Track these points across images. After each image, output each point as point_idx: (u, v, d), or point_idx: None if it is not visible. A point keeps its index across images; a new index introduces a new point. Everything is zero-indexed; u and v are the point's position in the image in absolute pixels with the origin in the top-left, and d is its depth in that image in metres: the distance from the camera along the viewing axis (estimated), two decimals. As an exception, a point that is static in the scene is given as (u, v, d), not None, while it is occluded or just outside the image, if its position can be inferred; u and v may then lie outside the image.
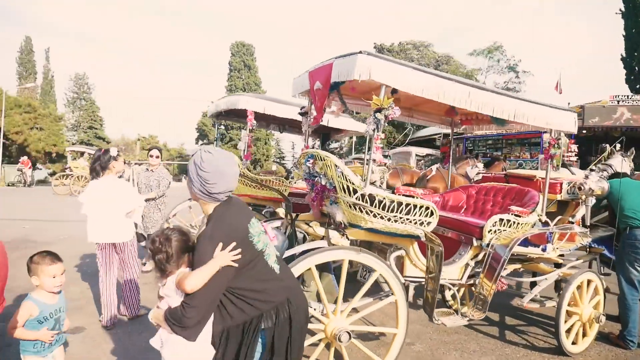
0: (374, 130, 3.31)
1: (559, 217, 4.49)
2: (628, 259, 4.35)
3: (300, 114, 4.66)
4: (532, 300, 4.27)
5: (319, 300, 3.37)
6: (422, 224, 3.57)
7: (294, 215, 4.06)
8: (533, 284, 4.74)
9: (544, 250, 4.28)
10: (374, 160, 3.34)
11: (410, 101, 4.88)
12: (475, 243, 3.93)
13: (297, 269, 3.10)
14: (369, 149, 3.42)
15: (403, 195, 3.46)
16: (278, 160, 54.88)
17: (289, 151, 58.42)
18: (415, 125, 44.85)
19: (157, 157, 6.06)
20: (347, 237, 3.51)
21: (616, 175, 4.88)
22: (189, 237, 2.14)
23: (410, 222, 3.52)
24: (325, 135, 7.72)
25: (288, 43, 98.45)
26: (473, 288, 4.09)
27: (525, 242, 4.30)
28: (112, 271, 4.42)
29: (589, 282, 4.34)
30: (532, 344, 4.51)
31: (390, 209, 3.39)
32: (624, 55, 27.11)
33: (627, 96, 26.15)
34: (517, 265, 4.61)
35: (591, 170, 4.85)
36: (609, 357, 4.29)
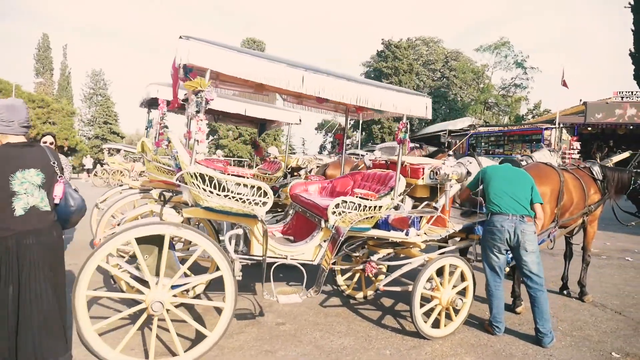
0: (196, 112, 3.43)
1: (426, 202, 4.52)
2: (487, 245, 4.36)
3: (183, 101, 4.80)
4: (390, 283, 4.33)
5: (157, 274, 3.53)
6: (257, 204, 3.68)
7: (166, 197, 4.23)
8: None
9: (407, 234, 4.33)
10: (197, 141, 3.46)
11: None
12: (323, 225, 4.02)
13: (116, 240, 3.26)
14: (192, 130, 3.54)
15: (233, 175, 3.59)
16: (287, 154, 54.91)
17: (299, 147, 58.70)
18: (424, 122, 44.53)
19: (52, 143, 6.23)
20: (182, 215, 3.65)
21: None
22: None
23: (244, 201, 3.64)
24: (262, 125, 7.86)
25: (298, 38, 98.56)
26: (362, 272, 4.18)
27: (387, 226, 4.37)
28: None
29: (453, 267, 4.38)
30: (403, 327, 4.57)
31: (222, 187, 3.52)
32: (633, 50, 26.33)
33: (632, 92, 25.43)
34: (389, 250, 4.67)
35: (449, 155, 4.85)
36: (471, 341, 4.32)
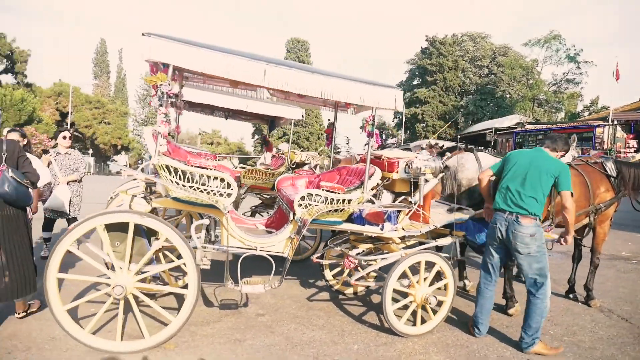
0: (159, 105, 3.57)
1: (403, 197, 4.43)
2: (487, 241, 4.23)
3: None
4: (362, 278, 4.29)
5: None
6: (222, 195, 3.78)
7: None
8: None
9: (382, 229, 4.28)
10: (160, 133, 3.60)
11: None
12: (291, 217, 4.05)
13: (83, 226, 3.46)
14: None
15: (197, 167, 3.70)
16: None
17: (343, 146, 58.73)
18: (470, 120, 43.23)
19: (70, 138, 6.56)
20: (150, 205, 3.80)
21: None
22: None
23: (208, 192, 3.75)
24: (272, 122, 7.97)
25: (342, 36, 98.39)
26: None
27: (362, 220, 4.34)
28: None
29: (430, 264, 4.28)
30: (382, 324, 4.51)
31: (186, 178, 3.66)
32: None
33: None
34: (368, 245, 4.62)
35: (422, 148, 4.69)
36: (447, 341, 4.20)
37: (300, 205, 3.94)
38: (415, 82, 46.45)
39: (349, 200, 4.03)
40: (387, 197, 4.43)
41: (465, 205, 5.37)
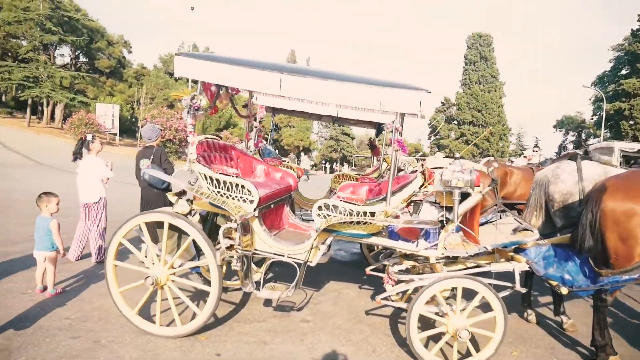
0: (188, 117, 3.93)
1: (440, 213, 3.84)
2: None
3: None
4: (387, 298, 3.93)
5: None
6: (245, 201, 3.97)
7: None
8: None
9: (417, 246, 3.87)
10: (189, 143, 3.96)
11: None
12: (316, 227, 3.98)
13: (129, 224, 4.05)
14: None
15: (221, 174, 3.95)
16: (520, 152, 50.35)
17: (530, 147, 52.86)
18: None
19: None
20: (190, 206, 4.20)
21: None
22: None
23: (234, 198, 3.98)
24: (379, 126, 7.84)
25: (528, 26, 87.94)
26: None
27: (395, 235, 4.00)
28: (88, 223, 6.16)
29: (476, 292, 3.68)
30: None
31: (213, 184, 3.97)
32: None
33: None
34: (412, 262, 4.21)
35: (456, 158, 3.82)
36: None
37: (319, 215, 3.85)
38: (623, 72, 38.94)
39: (372, 213, 3.76)
40: (427, 211, 3.97)
41: (560, 226, 4.47)
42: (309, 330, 4.45)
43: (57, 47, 37.87)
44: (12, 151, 23.04)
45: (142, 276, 4.09)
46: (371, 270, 4.66)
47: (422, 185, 3.90)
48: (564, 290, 3.88)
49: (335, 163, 55.76)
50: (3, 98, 43.45)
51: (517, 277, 3.84)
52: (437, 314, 3.81)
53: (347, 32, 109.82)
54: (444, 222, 3.83)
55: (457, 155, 3.74)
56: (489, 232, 4.25)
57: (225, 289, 5.21)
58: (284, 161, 6.73)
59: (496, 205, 6.27)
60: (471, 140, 48.12)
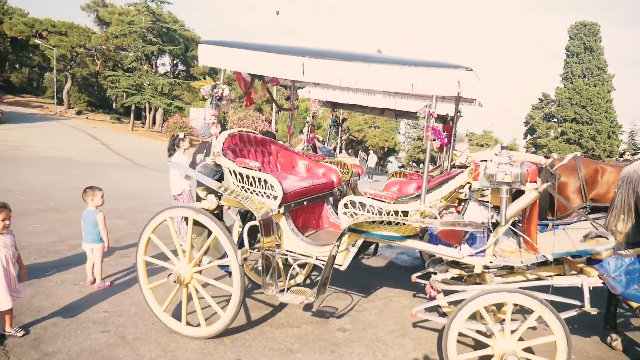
0: (211, 107, 3.73)
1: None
2: None
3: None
4: (426, 310, 3.38)
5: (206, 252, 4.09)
6: (269, 197, 3.69)
7: None
8: None
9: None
10: (213, 135, 3.77)
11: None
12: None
13: (156, 219, 3.96)
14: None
15: (243, 167, 3.71)
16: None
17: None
18: None
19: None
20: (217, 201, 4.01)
21: None
22: None
23: (258, 193, 3.72)
24: (445, 120, 7.17)
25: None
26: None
27: (435, 240, 3.46)
28: None
29: (529, 309, 3.04)
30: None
31: (239, 179, 3.76)
32: None
33: None
34: (457, 271, 3.63)
35: (503, 147, 3.04)
36: None
37: (345, 213, 3.44)
38: None
39: (405, 212, 3.26)
40: (474, 211, 3.36)
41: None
42: (343, 341, 4.05)
43: (159, 57, 41.00)
44: (114, 152, 25.23)
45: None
46: (417, 277, 4.13)
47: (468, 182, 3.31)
48: None
49: (422, 164, 54.00)
50: (113, 105, 48.12)
51: (587, 295, 3.12)
52: (483, 333, 3.21)
53: (436, 26, 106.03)
54: (494, 224, 3.22)
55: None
56: (561, 239, 3.53)
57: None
58: (331, 158, 6.35)
59: (585, 207, 5.40)
60: (574, 140, 43.74)
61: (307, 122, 6.32)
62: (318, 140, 6.94)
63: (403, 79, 3.11)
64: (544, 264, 3.50)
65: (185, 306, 3.95)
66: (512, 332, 3.08)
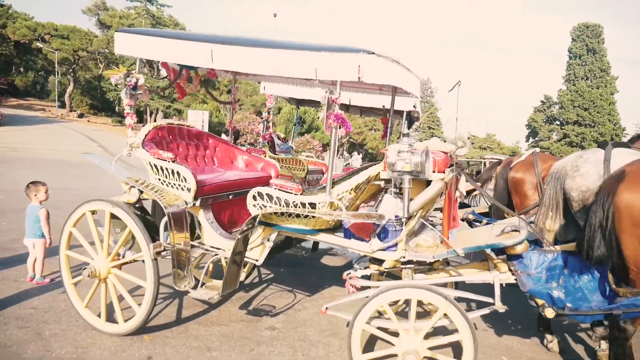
0: (126, 97, 3.63)
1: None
2: None
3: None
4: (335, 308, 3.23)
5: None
6: (182, 189, 3.58)
7: None
8: None
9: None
10: (127, 126, 3.67)
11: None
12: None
13: (77, 212, 3.86)
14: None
15: (157, 158, 3.60)
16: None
17: None
18: None
19: None
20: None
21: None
22: None
23: (173, 186, 3.62)
24: (408, 116, 7.03)
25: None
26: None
27: (349, 234, 3.33)
28: None
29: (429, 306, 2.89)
30: None
31: (156, 171, 3.66)
32: None
33: None
34: (376, 267, 3.49)
35: (404, 135, 2.89)
36: None
37: (255, 205, 3.32)
38: None
39: (312, 204, 3.13)
40: (388, 204, 3.22)
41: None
42: (268, 339, 3.92)
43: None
44: (110, 154, 25.37)
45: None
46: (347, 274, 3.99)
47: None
48: (549, 313, 2.89)
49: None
50: (116, 108, 48.46)
51: (497, 291, 2.96)
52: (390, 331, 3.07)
53: (435, 26, 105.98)
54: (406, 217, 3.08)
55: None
56: (482, 234, 3.38)
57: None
58: (287, 155, 6.24)
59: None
60: (576, 142, 43.25)
61: (263, 119, 6.21)
62: (279, 138, 6.84)
63: (307, 64, 2.99)
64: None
65: (104, 302, 3.84)
66: (418, 330, 2.93)
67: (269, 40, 3.22)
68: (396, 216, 3.08)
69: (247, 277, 5.09)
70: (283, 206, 3.19)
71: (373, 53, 2.84)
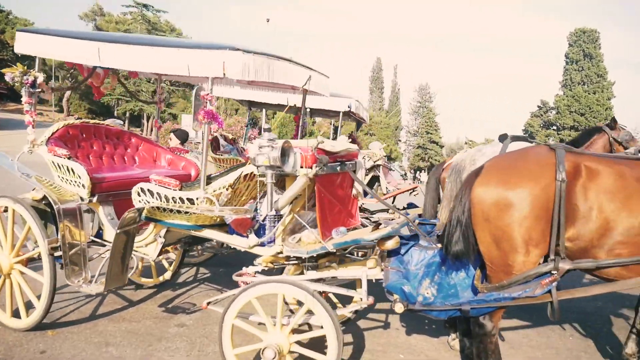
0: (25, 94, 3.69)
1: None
2: None
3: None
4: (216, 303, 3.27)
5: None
6: (77, 185, 3.64)
7: None
8: None
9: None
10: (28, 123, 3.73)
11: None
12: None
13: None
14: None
15: (54, 155, 3.66)
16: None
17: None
18: None
19: None
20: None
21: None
22: None
23: (71, 182, 3.68)
24: (358, 120, 7.09)
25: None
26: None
27: (231, 229, 3.37)
28: None
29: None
30: None
31: (56, 168, 3.73)
32: None
33: None
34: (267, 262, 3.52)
35: (265, 130, 2.91)
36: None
37: (140, 201, 3.37)
38: None
39: (190, 200, 3.18)
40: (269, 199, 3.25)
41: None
42: (171, 336, 3.96)
43: (155, 64, 41.61)
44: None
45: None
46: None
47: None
48: (399, 308, 2.90)
49: (421, 172, 53.72)
50: (115, 113, 48.82)
51: (364, 286, 2.99)
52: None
53: (435, 29, 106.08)
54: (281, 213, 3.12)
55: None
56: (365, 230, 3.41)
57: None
58: (228, 155, 6.28)
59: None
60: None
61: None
62: (225, 139, 6.89)
63: (180, 62, 3.06)
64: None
65: (9, 297, 3.89)
66: (284, 325, 2.96)
67: (151, 38, 3.29)
68: (276, 212, 3.13)
69: (173, 275, 5.13)
70: (163, 202, 3.24)
71: (238, 50, 2.90)
